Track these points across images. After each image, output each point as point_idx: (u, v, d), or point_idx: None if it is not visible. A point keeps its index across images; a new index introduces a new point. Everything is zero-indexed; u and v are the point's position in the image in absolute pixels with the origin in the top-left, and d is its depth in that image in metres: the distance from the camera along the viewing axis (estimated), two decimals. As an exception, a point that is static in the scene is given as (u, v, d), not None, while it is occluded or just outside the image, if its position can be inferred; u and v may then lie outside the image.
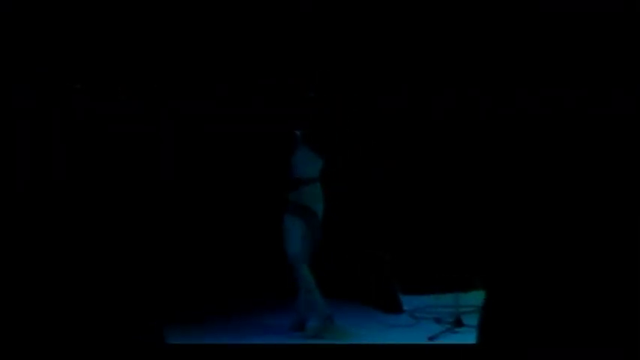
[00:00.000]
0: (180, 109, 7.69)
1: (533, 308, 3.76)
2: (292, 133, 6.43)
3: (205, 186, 7.86)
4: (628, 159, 5.30)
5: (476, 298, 6.20)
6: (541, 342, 3.69)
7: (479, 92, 7.19)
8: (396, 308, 7.00)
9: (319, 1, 7.50)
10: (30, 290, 6.67)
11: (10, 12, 6.96)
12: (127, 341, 5.83)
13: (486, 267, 6.15)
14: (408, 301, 7.12)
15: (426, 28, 7.48)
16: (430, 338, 6.14)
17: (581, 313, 3.67)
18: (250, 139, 7.74)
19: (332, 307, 6.61)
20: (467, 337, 5.80)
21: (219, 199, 7.88)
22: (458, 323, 6.44)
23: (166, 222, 7.68)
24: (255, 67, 7.69)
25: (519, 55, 6.83)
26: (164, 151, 7.71)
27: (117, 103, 7.54)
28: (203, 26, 7.53)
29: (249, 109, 7.68)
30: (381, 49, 7.61)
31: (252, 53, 7.67)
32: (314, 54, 7.62)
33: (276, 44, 7.64)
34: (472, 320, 5.83)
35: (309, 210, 6.33)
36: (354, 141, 7.37)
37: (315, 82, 7.47)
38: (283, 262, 6.50)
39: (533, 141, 6.71)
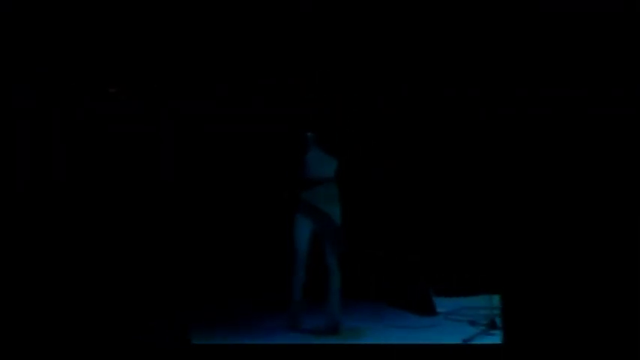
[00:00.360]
0: (180, 109, 7.69)
1: (550, 308, 3.76)
2: (304, 134, 6.43)
3: (206, 186, 7.85)
4: (628, 159, 5.29)
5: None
6: (560, 341, 3.69)
7: (479, 92, 7.19)
8: (429, 310, 6.96)
9: (319, 1, 7.50)
10: (30, 290, 6.66)
11: (10, 12, 6.96)
12: (123, 342, 5.83)
13: (500, 269, 6.09)
14: (443, 304, 7.04)
15: (426, 28, 7.48)
16: (465, 340, 6.07)
17: (596, 312, 3.67)
18: (250, 139, 7.73)
19: (362, 308, 6.72)
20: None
21: (219, 200, 7.87)
22: (492, 325, 6.36)
23: (166, 223, 7.67)
24: (255, 67, 7.68)
25: (519, 55, 6.82)
26: (164, 151, 7.71)
27: (117, 103, 7.54)
28: (203, 26, 7.52)
29: (249, 109, 7.68)
30: (381, 49, 7.61)
31: (252, 53, 7.67)
32: (314, 54, 7.61)
33: (276, 44, 7.63)
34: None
35: (320, 211, 6.33)
36: (364, 141, 7.36)
37: (315, 82, 7.48)
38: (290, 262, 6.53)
39: (533, 141, 6.71)
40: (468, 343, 5.98)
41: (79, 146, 7.48)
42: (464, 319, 6.68)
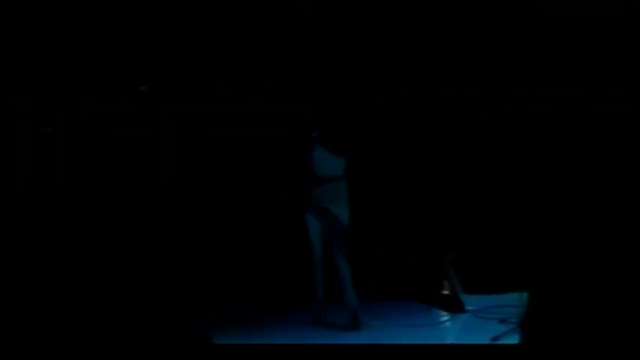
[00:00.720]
0: (180, 109, 7.69)
1: (575, 308, 3.75)
2: (308, 134, 6.43)
3: (205, 186, 7.86)
4: (628, 159, 5.31)
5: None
6: (583, 342, 3.67)
7: (479, 92, 7.19)
8: (458, 308, 6.91)
9: (319, 1, 7.50)
10: (30, 290, 6.67)
11: (10, 12, 6.97)
12: (123, 342, 5.84)
13: (529, 268, 6.01)
14: (474, 301, 6.95)
15: (425, 29, 7.49)
16: (494, 339, 6.00)
17: (619, 311, 3.66)
18: (250, 139, 7.73)
19: (391, 306, 6.80)
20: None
21: (219, 199, 7.87)
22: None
23: (167, 222, 7.68)
24: (255, 67, 7.68)
25: (519, 55, 6.83)
26: (164, 151, 7.71)
27: (117, 103, 7.54)
28: (203, 26, 7.53)
29: (249, 109, 7.68)
30: (380, 49, 7.61)
31: (252, 53, 7.67)
32: (314, 54, 7.62)
33: (276, 44, 7.64)
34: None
35: (326, 210, 6.34)
36: (364, 141, 7.35)
37: (315, 82, 7.48)
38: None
39: (533, 141, 6.72)
40: (497, 342, 5.89)
41: (79, 146, 7.48)
42: (495, 316, 6.56)
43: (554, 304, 3.91)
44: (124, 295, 6.97)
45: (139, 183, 7.63)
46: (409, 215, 7.72)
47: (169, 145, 7.72)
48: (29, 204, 7.17)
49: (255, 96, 7.72)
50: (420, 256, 7.47)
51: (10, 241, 6.95)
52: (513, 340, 5.70)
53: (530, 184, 6.82)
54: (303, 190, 6.42)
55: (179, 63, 7.62)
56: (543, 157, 6.69)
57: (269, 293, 7.52)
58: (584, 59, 6.30)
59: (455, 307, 6.85)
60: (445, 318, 6.74)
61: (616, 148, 5.75)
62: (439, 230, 7.56)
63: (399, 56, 7.62)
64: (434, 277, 7.26)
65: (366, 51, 7.63)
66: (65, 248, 7.18)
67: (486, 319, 6.42)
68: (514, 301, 6.28)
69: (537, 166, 6.78)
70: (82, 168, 7.48)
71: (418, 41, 7.56)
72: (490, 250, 7.32)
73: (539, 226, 6.13)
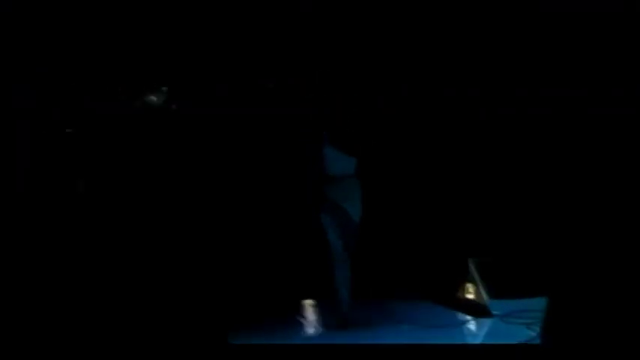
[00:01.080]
0: (179, 109, 7.70)
1: (594, 310, 3.75)
2: (319, 132, 6.43)
3: (205, 185, 7.86)
4: (628, 159, 5.31)
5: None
6: (602, 343, 3.67)
7: (479, 92, 7.20)
8: (483, 313, 6.85)
9: (319, 1, 7.51)
10: (30, 290, 6.67)
11: (10, 12, 6.96)
12: (126, 342, 5.84)
13: (550, 271, 5.93)
14: (500, 306, 6.91)
15: (425, 29, 7.49)
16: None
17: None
18: (251, 139, 7.74)
19: (413, 308, 6.86)
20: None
21: (218, 199, 7.87)
22: None
23: (167, 222, 7.67)
24: (255, 67, 7.69)
25: (519, 55, 6.84)
26: (163, 151, 7.72)
27: (117, 103, 7.54)
28: (203, 26, 7.53)
29: (249, 109, 7.69)
30: (381, 49, 7.62)
31: (252, 53, 7.68)
32: (314, 54, 7.62)
33: (276, 44, 7.64)
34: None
35: (338, 207, 6.34)
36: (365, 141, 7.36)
37: (315, 82, 7.49)
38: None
39: (533, 141, 6.73)
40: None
41: (79, 146, 7.48)
42: (521, 321, 6.46)
43: (573, 307, 3.91)
44: (126, 296, 6.97)
45: (138, 183, 7.63)
46: (424, 218, 7.70)
47: (169, 145, 7.72)
48: (29, 204, 7.17)
49: (255, 96, 7.72)
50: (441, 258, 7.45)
51: (10, 241, 6.94)
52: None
53: (531, 184, 6.82)
54: (315, 190, 6.42)
55: (179, 63, 7.62)
56: (543, 157, 6.70)
57: (273, 293, 7.52)
58: (584, 59, 6.31)
59: (480, 311, 6.80)
60: (468, 321, 6.69)
61: (616, 148, 5.75)
62: (464, 233, 7.52)
63: (399, 56, 7.62)
64: (459, 281, 7.21)
65: (366, 51, 7.63)
66: (66, 248, 7.17)
67: (513, 324, 6.35)
68: (542, 305, 6.18)
69: (536, 166, 6.78)
70: (82, 168, 7.48)
71: (418, 41, 7.56)
72: (518, 254, 7.26)
73: (544, 228, 6.13)
